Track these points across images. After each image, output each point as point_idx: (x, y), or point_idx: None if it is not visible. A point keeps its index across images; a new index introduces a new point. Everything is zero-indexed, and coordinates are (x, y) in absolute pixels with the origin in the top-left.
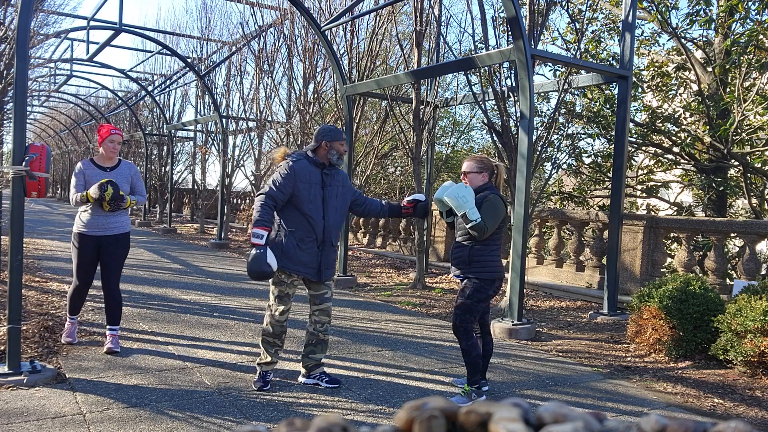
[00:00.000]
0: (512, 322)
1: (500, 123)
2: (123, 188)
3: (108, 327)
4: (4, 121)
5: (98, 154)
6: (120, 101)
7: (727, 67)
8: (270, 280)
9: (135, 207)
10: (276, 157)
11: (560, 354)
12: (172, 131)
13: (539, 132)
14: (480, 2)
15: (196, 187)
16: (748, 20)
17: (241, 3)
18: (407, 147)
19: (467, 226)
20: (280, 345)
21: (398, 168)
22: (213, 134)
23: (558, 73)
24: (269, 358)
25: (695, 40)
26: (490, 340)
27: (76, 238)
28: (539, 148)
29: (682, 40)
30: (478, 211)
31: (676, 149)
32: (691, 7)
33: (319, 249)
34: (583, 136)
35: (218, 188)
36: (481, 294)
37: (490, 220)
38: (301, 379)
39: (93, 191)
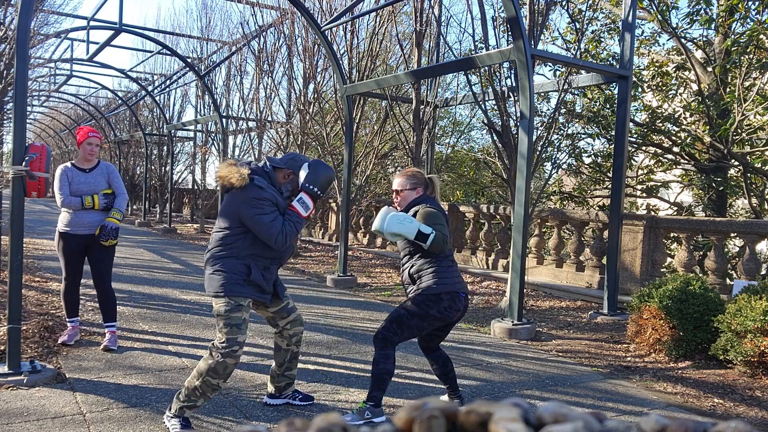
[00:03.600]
0: (512, 322)
1: (500, 123)
2: (102, 186)
3: (105, 324)
4: (4, 121)
5: (78, 158)
6: (120, 101)
7: (727, 67)
8: (223, 310)
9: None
10: (228, 176)
11: (560, 354)
12: (172, 131)
13: (539, 132)
14: (480, 2)
15: (196, 187)
16: (748, 20)
17: (241, 3)
18: (407, 147)
19: (426, 245)
20: (221, 387)
21: (398, 168)
22: (213, 134)
23: (558, 73)
24: (201, 402)
25: (695, 40)
26: (442, 356)
27: (61, 238)
28: (539, 148)
29: (682, 40)
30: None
31: (676, 149)
32: (691, 7)
33: (276, 272)
34: (583, 136)
35: (218, 188)
36: (420, 309)
37: (440, 228)
38: (266, 399)
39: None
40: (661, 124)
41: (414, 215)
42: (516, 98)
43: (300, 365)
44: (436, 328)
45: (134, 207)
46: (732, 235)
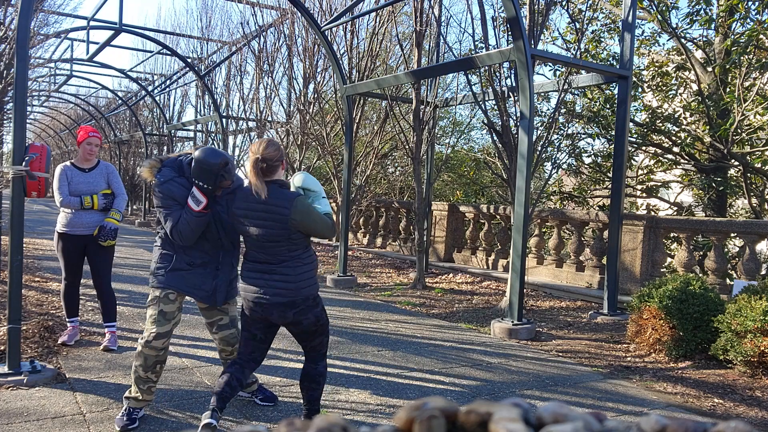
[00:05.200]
0: (512, 322)
1: (500, 123)
2: (101, 186)
3: (105, 324)
4: (4, 121)
5: (77, 157)
6: (120, 101)
7: (727, 67)
8: (147, 300)
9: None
10: (142, 172)
11: (560, 354)
12: (172, 131)
13: (539, 132)
14: (480, 2)
15: None
16: (748, 20)
17: (242, 3)
18: (407, 147)
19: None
20: (154, 381)
21: (398, 168)
22: (213, 134)
23: (558, 73)
24: (139, 395)
25: (695, 40)
26: (307, 370)
27: (60, 238)
28: (539, 148)
29: (682, 40)
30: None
31: (676, 149)
32: (691, 7)
33: (217, 271)
34: (583, 136)
35: None
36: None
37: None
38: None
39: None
40: (661, 124)
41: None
42: (516, 98)
43: (299, 365)
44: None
45: (134, 207)
46: (732, 235)
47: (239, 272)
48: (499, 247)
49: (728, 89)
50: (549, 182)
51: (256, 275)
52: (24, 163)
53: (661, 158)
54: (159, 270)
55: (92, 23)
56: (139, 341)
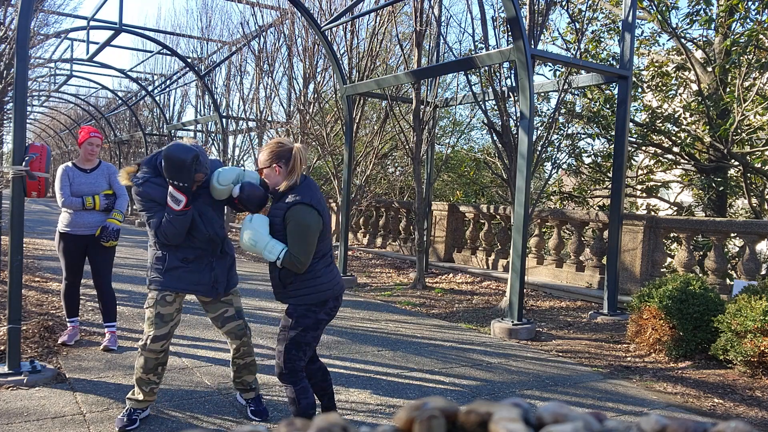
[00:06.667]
0: (512, 322)
1: (500, 123)
2: (102, 187)
3: (105, 324)
4: (4, 121)
5: (78, 157)
6: (120, 101)
7: (727, 67)
8: (145, 303)
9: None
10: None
11: (560, 354)
12: (172, 131)
13: (539, 132)
14: (480, 2)
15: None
16: (748, 20)
17: (241, 3)
18: (407, 147)
19: (279, 262)
20: (156, 383)
21: (398, 168)
22: (213, 134)
23: (558, 73)
24: (141, 396)
25: (695, 40)
26: (322, 367)
27: (61, 238)
28: (539, 148)
29: (682, 40)
30: (284, 231)
31: (676, 149)
32: (691, 7)
33: (212, 262)
34: (583, 136)
35: None
36: (308, 319)
37: (298, 247)
38: (237, 397)
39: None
40: (661, 124)
41: (284, 215)
42: (516, 98)
43: None
44: None
45: (134, 207)
46: (732, 235)
47: (319, 273)
48: (499, 247)
49: (728, 89)
50: (549, 182)
51: (335, 270)
52: (24, 163)
53: (661, 158)
54: (154, 271)
55: (92, 23)
56: (138, 344)
